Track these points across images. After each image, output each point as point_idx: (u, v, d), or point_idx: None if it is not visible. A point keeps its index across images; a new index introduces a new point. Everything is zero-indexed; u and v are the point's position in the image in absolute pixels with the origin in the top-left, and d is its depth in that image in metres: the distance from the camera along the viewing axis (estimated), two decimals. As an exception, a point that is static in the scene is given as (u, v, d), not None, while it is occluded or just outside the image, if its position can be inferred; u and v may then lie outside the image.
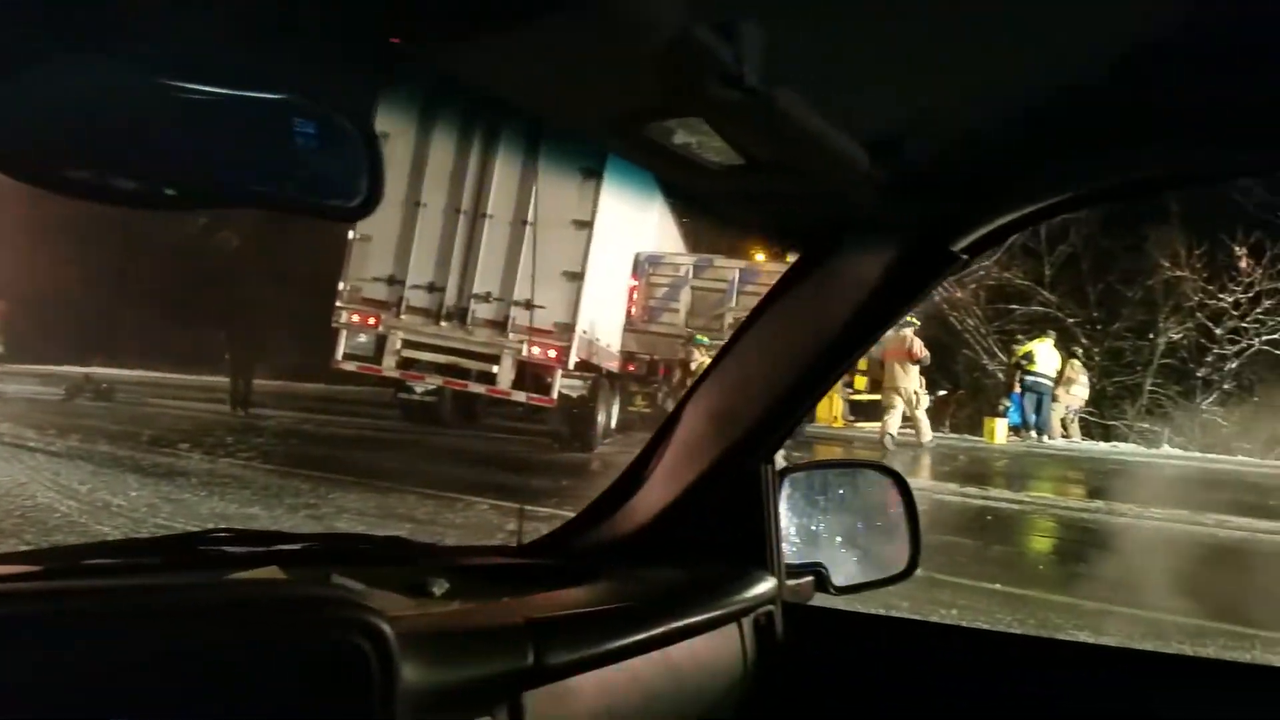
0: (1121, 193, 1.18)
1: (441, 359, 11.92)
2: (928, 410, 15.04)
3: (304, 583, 1.06)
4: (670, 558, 1.32)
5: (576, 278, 11.77)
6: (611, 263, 13.23)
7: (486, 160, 11.88)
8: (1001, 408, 16.28)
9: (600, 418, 12.84)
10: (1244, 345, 18.00)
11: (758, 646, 1.27)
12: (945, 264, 1.25)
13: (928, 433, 14.51)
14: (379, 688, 0.78)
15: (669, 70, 0.80)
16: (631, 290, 14.50)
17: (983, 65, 0.91)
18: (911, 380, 14.48)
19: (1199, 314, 18.18)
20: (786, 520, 1.42)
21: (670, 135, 0.93)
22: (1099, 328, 19.28)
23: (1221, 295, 17.96)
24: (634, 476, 1.43)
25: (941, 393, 18.12)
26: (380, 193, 0.75)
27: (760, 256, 14.76)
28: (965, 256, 1.26)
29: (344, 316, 12.19)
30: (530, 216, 11.84)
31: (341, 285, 12.25)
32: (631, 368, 14.33)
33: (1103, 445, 16.12)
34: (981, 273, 20.34)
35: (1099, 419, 18.01)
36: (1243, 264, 17.79)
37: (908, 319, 16.78)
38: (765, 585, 1.31)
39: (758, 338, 1.37)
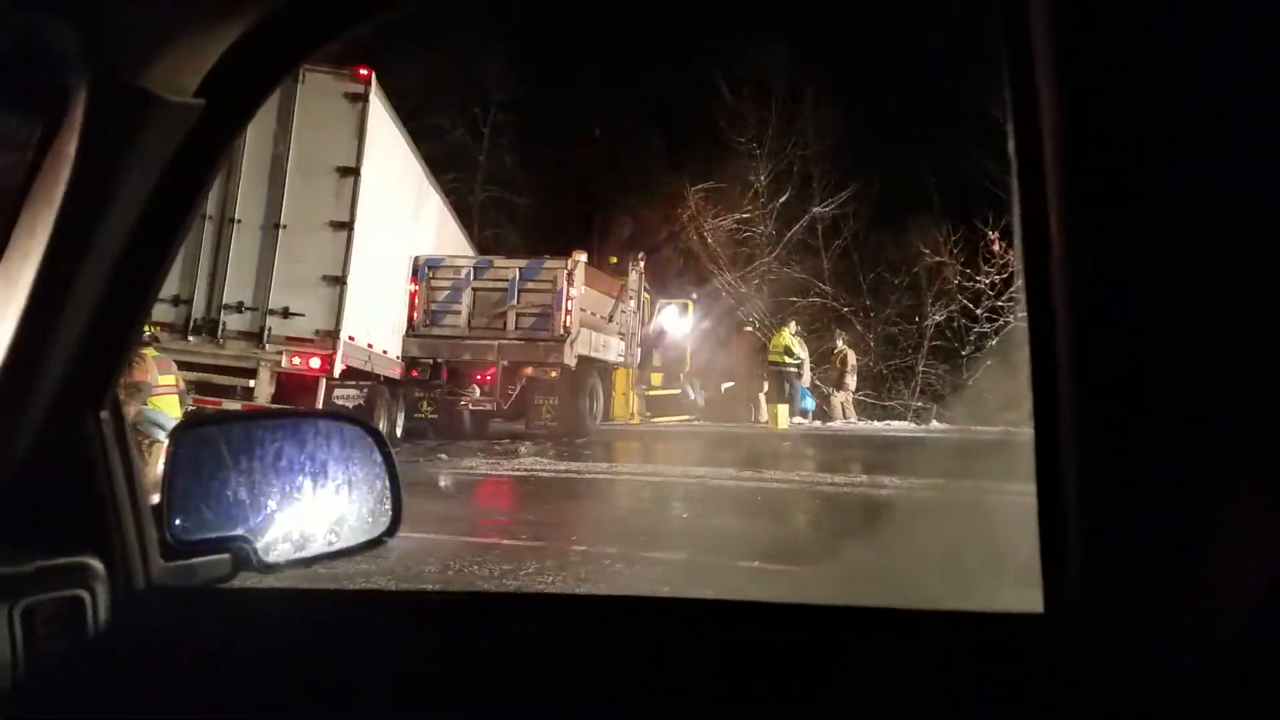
0: None
1: (192, 376, 11.11)
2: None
3: None
4: None
5: (338, 282, 11.25)
6: (384, 266, 12.76)
7: (232, 161, 11.15)
8: (786, 394, 16.87)
9: (381, 427, 12.31)
10: (1002, 323, 19.37)
11: (29, 646, 0.96)
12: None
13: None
14: None
15: None
16: (412, 295, 14.08)
17: None
18: None
19: (960, 296, 19.49)
20: (188, 485, 1.17)
21: None
22: (872, 315, 20.39)
23: (979, 278, 19.30)
24: None
25: (729, 384, 18.65)
26: None
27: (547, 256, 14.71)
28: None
29: (79, 336, 11.12)
30: (282, 220, 11.21)
31: (76, 302, 11.18)
32: (415, 373, 13.90)
33: (876, 424, 17.00)
34: (765, 269, 21.22)
35: (878, 400, 18.98)
36: (995, 247, 19.17)
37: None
38: (33, 565, 0.98)
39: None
